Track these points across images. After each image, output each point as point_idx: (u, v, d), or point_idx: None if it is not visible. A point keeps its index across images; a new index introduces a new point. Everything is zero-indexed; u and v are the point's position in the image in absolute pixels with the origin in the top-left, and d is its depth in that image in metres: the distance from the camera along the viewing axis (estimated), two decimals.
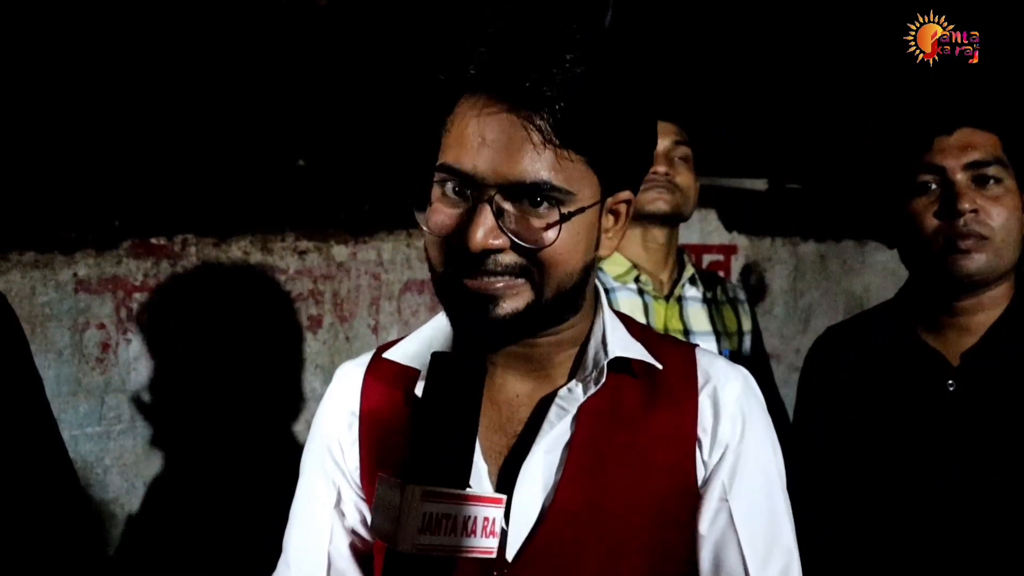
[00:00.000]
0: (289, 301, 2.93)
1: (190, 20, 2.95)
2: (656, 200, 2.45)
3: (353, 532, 1.41)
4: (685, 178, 2.49)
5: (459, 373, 1.10)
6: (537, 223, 1.18)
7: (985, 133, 1.84)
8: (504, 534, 1.26)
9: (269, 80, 3.12)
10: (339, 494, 1.40)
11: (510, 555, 1.27)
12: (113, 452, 2.66)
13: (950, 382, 1.82)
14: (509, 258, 1.19)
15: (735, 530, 1.31)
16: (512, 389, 1.33)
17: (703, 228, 3.97)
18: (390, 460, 1.28)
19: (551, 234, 1.18)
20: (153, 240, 2.70)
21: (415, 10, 3.45)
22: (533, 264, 1.20)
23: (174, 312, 2.74)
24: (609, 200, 1.28)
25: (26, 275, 2.51)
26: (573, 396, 1.30)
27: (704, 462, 1.32)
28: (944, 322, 1.87)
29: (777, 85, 3.90)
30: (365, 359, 1.44)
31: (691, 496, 1.32)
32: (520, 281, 1.20)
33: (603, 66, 1.20)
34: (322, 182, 3.17)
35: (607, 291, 2.46)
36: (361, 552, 1.42)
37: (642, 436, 1.30)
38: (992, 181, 1.81)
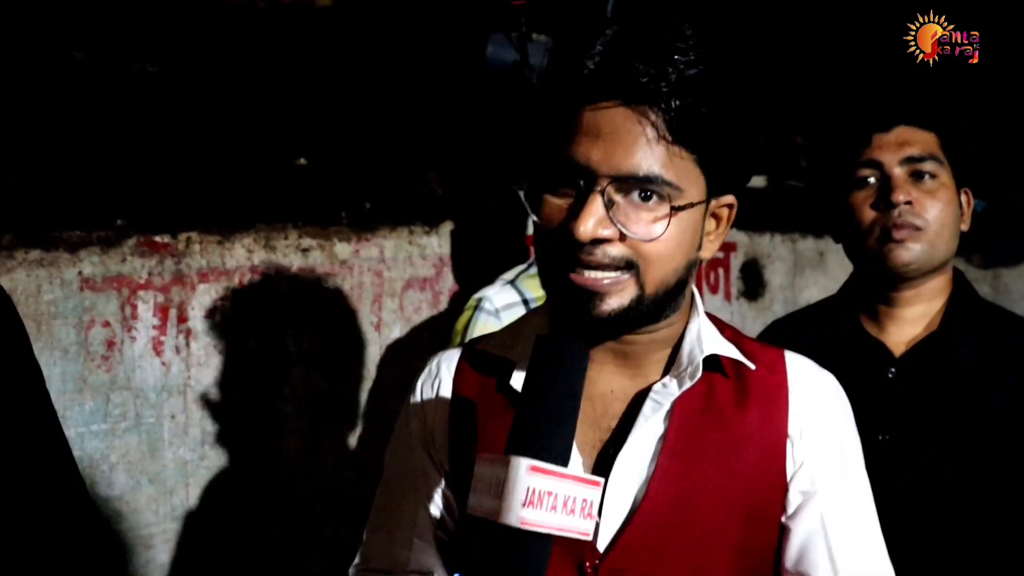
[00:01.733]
0: (292, 298, 2.95)
1: (192, 20, 2.97)
2: None
3: (437, 521, 1.41)
4: None
5: (566, 354, 1.13)
6: (647, 216, 1.22)
7: (922, 131, 1.91)
8: (596, 525, 1.28)
9: (271, 79, 3.14)
10: (429, 481, 1.41)
11: (602, 546, 1.29)
12: (119, 449, 2.68)
13: (891, 370, 1.89)
14: (616, 250, 1.22)
15: (823, 526, 1.33)
16: (607, 384, 1.35)
17: None
18: (481, 445, 1.32)
19: (659, 227, 1.21)
20: (157, 238, 2.72)
21: (415, 9, 3.46)
22: (639, 258, 1.23)
23: (179, 310, 2.76)
24: (713, 202, 1.30)
25: (31, 273, 2.53)
26: (668, 391, 1.32)
27: (795, 459, 1.35)
28: (885, 313, 1.95)
29: (777, 82, 3.92)
30: (456, 351, 1.46)
31: (780, 494, 1.34)
32: (625, 277, 1.23)
33: (717, 66, 1.24)
34: (323, 180, 3.19)
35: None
36: (443, 542, 1.42)
37: (734, 433, 1.32)
38: (928, 176, 1.88)
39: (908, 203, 1.85)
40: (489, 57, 3.36)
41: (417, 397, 1.44)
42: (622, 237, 1.21)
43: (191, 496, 2.80)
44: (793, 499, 1.35)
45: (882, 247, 1.87)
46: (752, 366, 1.36)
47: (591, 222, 1.19)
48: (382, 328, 3.10)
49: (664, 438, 1.31)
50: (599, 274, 1.22)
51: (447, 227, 3.21)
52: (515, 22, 3.33)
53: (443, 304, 3.23)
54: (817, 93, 3.77)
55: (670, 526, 1.29)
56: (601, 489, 1.12)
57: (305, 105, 3.21)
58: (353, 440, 3.07)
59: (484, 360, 1.40)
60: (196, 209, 2.81)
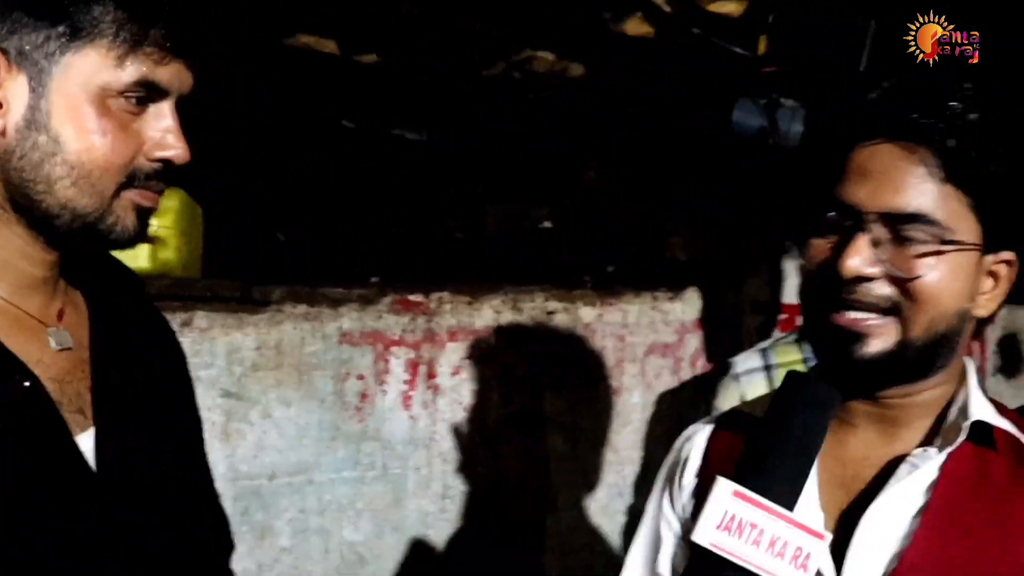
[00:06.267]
0: (536, 360, 3.00)
1: (449, 90, 3.10)
2: None
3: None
4: None
5: (810, 389, 1.10)
6: (913, 253, 1.18)
7: None
8: None
9: (518, 146, 3.23)
10: (662, 541, 1.42)
11: None
12: (365, 497, 2.79)
13: None
14: (880, 289, 1.19)
15: None
16: (862, 449, 1.29)
17: None
18: None
19: (926, 265, 1.18)
20: (411, 297, 2.84)
21: (659, 75, 3.49)
22: (905, 298, 1.19)
23: (428, 366, 2.86)
24: (989, 257, 1.24)
25: (297, 326, 2.69)
26: (927, 455, 1.24)
27: None
28: None
29: None
30: (713, 418, 1.47)
31: None
32: (889, 319, 1.19)
33: (997, 114, 1.20)
34: (567, 243, 3.25)
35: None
36: None
37: (1007, 516, 1.22)
38: None
39: None
40: (735, 122, 3.33)
41: (667, 460, 1.46)
42: (888, 277, 1.18)
43: (430, 546, 2.87)
44: None
45: None
46: None
47: (855, 260, 1.17)
48: (622, 392, 3.10)
49: (924, 509, 1.22)
50: (861, 315, 1.19)
51: (690, 293, 3.20)
52: (764, 88, 3.29)
53: (684, 370, 3.20)
54: None
55: None
56: (827, 545, 1.08)
57: (550, 169, 3.29)
58: (589, 503, 3.08)
59: (742, 420, 1.39)
60: (447, 272, 2.92)
